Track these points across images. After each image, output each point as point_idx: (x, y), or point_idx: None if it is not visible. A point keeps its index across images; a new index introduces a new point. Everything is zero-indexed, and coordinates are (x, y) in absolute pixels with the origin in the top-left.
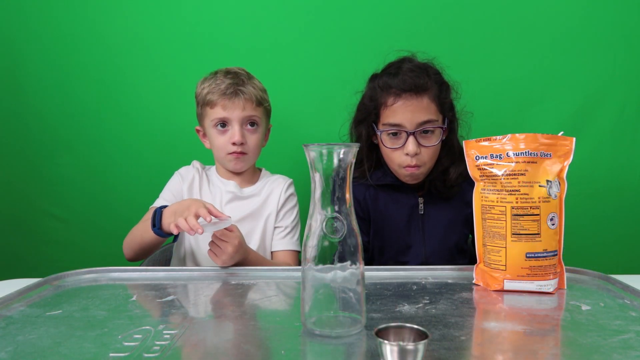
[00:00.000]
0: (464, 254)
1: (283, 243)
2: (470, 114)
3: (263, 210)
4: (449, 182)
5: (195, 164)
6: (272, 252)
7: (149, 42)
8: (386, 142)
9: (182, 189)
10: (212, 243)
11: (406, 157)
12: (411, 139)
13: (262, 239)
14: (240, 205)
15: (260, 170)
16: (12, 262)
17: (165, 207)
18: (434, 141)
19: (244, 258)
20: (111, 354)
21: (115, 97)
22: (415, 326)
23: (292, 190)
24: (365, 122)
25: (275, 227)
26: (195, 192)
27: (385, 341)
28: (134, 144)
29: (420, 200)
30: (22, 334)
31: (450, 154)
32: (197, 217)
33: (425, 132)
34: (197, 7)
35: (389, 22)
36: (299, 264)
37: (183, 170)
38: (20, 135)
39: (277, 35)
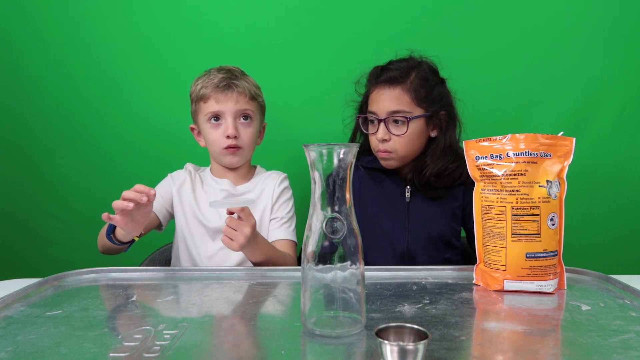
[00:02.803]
0: (454, 250)
1: (280, 232)
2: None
3: (257, 204)
4: (424, 179)
5: (188, 166)
6: None
7: (149, 41)
8: (365, 128)
9: (171, 190)
10: (226, 228)
11: (378, 142)
12: (381, 125)
13: None
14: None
15: (255, 167)
16: (12, 262)
17: None
18: (403, 131)
19: (255, 242)
20: (111, 354)
21: (115, 97)
22: (415, 326)
23: (286, 183)
24: (361, 110)
25: (271, 220)
26: (185, 193)
27: (385, 341)
28: (134, 143)
29: (408, 188)
30: (22, 334)
31: (434, 152)
32: (134, 191)
33: (396, 121)
34: (196, 7)
35: (388, 21)
36: (297, 254)
37: (175, 173)
38: (21, 135)
39: (276, 35)
